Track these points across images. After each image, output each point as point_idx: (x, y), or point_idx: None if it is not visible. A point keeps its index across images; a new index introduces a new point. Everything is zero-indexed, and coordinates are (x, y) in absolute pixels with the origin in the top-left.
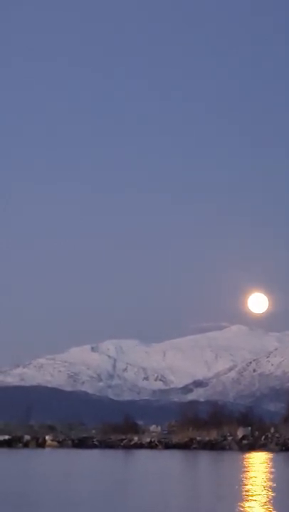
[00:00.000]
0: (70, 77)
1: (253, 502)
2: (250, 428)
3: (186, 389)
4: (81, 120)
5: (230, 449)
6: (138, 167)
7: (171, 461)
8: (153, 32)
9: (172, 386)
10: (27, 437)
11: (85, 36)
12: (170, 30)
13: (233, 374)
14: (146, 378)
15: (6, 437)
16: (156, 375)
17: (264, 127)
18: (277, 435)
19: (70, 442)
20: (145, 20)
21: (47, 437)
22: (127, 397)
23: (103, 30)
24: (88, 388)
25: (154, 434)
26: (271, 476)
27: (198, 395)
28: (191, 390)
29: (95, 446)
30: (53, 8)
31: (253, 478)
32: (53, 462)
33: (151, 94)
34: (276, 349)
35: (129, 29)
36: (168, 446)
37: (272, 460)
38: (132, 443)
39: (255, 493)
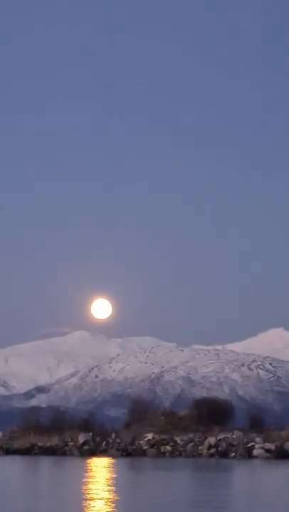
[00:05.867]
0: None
1: (93, 505)
2: (91, 434)
3: (29, 395)
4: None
5: (72, 454)
6: None
7: (11, 466)
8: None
9: (14, 392)
10: None
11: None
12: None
13: (75, 380)
14: None
15: None
16: None
17: None
18: (118, 440)
19: None
20: None
21: None
22: None
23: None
24: None
25: None
26: (110, 480)
27: (40, 400)
28: (33, 396)
29: None
30: None
31: (92, 483)
32: None
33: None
34: (118, 355)
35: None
36: (9, 451)
37: (112, 465)
38: None
39: (94, 496)
